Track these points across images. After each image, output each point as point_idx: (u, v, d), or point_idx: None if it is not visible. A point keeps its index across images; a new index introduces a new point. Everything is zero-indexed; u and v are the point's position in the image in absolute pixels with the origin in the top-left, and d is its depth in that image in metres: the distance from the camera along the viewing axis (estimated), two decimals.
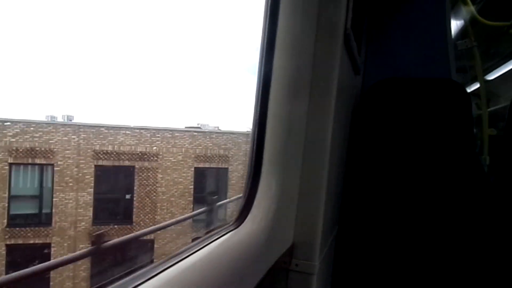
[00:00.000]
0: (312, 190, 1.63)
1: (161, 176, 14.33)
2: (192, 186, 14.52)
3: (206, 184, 15.65)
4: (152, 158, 14.33)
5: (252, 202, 1.49)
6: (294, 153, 1.58)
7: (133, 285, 0.79)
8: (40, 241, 11.58)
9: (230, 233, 1.36)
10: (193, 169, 14.82)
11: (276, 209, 1.50)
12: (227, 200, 12.15)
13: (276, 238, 1.52)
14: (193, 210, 14.04)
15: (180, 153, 15.03)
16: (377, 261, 2.13)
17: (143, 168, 14.14)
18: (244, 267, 1.24)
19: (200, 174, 14.92)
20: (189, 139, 15.40)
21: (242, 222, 1.45)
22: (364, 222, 2.20)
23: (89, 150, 12.75)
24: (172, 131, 15.16)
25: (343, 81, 1.77)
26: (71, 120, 13.35)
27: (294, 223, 1.63)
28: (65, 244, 11.61)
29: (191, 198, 14.36)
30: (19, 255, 10.74)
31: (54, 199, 11.97)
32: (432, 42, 2.64)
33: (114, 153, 13.49)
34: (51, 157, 12.08)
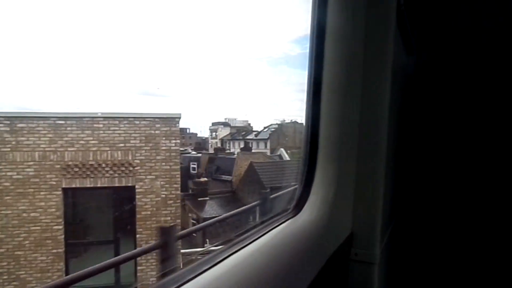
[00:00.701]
0: (370, 176, 1.62)
1: None
2: None
3: None
4: None
5: (309, 190, 1.53)
6: (349, 139, 1.60)
7: (201, 270, 0.88)
8: None
9: (289, 220, 1.41)
10: None
11: (333, 197, 1.51)
12: None
13: (334, 227, 1.53)
14: None
15: None
16: (437, 253, 2.11)
17: None
18: (303, 256, 1.26)
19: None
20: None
21: (300, 210, 1.48)
22: (423, 212, 2.18)
23: None
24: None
25: (397, 63, 1.74)
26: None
27: (352, 211, 1.63)
28: None
29: None
30: None
31: None
32: (491, 16, 2.49)
33: None
34: None
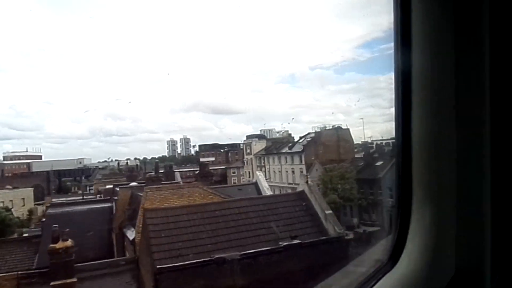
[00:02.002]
0: (474, 213, 1.44)
1: None
2: None
3: None
4: None
5: (405, 237, 1.46)
6: (447, 174, 1.44)
7: None
8: None
9: (386, 275, 1.37)
10: None
11: (433, 242, 1.41)
12: None
13: (436, 273, 1.42)
14: None
15: None
16: None
17: None
18: None
19: None
20: None
21: (396, 261, 1.44)
22: None
23: None
24: None
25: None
26: None
27: (455, 252, 1.48)
28: None
29: None
30: None
31: None
32: None
33: None
34: None
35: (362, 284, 1.37)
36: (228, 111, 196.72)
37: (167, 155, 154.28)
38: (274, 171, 60.94)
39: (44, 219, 19.99)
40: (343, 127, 55.40)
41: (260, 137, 69.50)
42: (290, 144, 58.60)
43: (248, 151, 70.74)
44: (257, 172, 23.73)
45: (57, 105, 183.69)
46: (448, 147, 1.39)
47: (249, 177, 72.36)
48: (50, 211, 20.23)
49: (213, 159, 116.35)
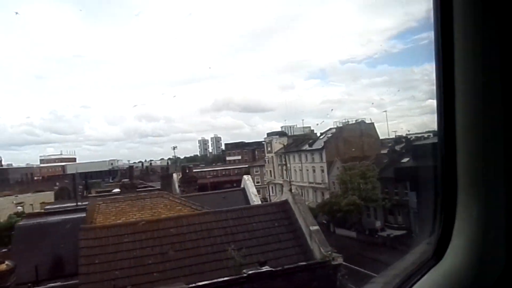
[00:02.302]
0: None
1: None
2: None
3: None
4: None
5: (451, 231, 1.39)
6: (494, 165, 1.40)
7: None
8: None
9: (431, 270, 1.34)
10: None
11: (481, 237, 1.35)
12: None
13: (484, 269, 1.37)
14: None
15: None
16: None
17: None
18: None
19: None
20: None
21: (442, 255, 1.38)
22: None
23: None
24: None
25: None
26: None
27: (505, 247, 1.44)
28: None
29: None
30: None
31: None
32: None
33: None
34: None
35: (406, 277, 1.37)
36: (259, 109, 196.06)
37: (199, 154, 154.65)
38: (295, 170, 57.79)
39: (13, 232, 18.21)
40: (367, 121, 51.45)
41: (281, 134, 66.44)
42: (310, 141, 55.22)
43: (269, 149, 67.95)
44: (245, 176, 20.97)
45: (93, 109, 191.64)
46: (495, 137, 1.34)
47: (271, 176, 69.69)
48: (21, 223, 18.45)
49: (239, 157, 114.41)
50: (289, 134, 67.83)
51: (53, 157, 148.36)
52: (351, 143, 50.02)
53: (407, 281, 1.34)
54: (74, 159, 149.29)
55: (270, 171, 68.26)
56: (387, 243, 34.86)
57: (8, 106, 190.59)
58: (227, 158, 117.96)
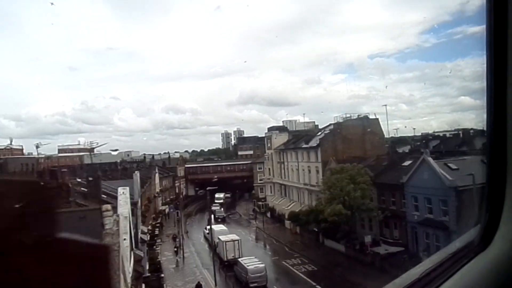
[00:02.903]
0: None
1: None
2: None
3: None
4: None
5: (499, 218, 1.40)
6: None
7: None
8: None
9: (477, 257, 1.35)
10: None
11: None
12: None
13: None
14: None
15: None
16: None
17: None
18: None
19: None
20: None
21: (489, 243, 1.38)
22: None
23: None
24: None
25: None
26: None
27: None
28: None
29: None
30: None
31: None
32: None
33: None
34: None
35: (453, 262, 1.40)
36: (284, 103, 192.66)
37: (221, 147, 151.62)
38: (292, 169, 52.38)
39: None
40: (372, 117, 45.28)
41: (282, 129, 61.04)
42: (307, 138, 49.56)
43: (269, 145, 62.66)
44: (120, 189, 16.02)
45: (123, 100, 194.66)
46: None
47: (269, 174, 64.58)
48: None
49: (251, 152, 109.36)
50: (291, 129, 62.28)
51: (71, 147, 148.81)
52: (350, 141, 44.10)
53: (454, 265, 1.36)
54: (92, 150, 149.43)
55: (269, 169, 63.04)
56: (376, 263, 29.19)
57: (42, 96, 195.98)
58: (239, 153, 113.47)
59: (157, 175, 67.12)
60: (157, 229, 47.03)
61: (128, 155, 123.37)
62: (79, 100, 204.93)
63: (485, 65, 1.48)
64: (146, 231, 32.20)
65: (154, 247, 36.09)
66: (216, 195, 72.54)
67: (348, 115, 45.56)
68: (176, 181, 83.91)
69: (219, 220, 55.70)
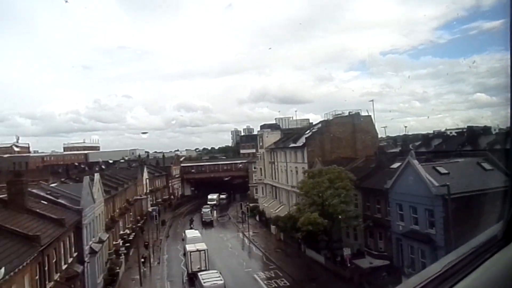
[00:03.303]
0: None
1: None
2: None
3: None
4: None
5: None
6: None
7: None
8: None
9: (501, 251, 1.37)
10: None
11: None
12: None
13: None
14: None
15: None
16: None
17: None
18: None
19: None
20: None
21: None
22: None
23: None
24: None
25: None
26: None
27: None
28: None
29: None
30: None
31: None
32: None
33: None
34: None
35: (475, 256, 1.41)
36: (296, 101, 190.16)
37: (231, 145, 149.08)
38: (281, 170, 48.95)
39: None
40: (363, 114, 41.51)
41: (274, 127, 57.51)
42: (295, 137, 46.01)
43: (261, 144, 59.28)
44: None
45: (135, 98, 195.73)
46: None
47: (261, 175, 61.23)
48: None
49: (253, 150, 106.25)
50: (285, 127, 58.65)
51: (76, 145, 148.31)
52: (339, 140, 40.46)
53: (476, 259, 1.36)
54: (97, 148, 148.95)
55: (261, 169, 59.69)
56: (355, 279, 25.65)
57: (56, 95, 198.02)
58: (241, 151, 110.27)
59: (145, 174, 64.43)
60: (134, 234, 44.08)
61: (132, 153, 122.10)
62: (92, 99, 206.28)
63: (508, 61, 1.47)
64: (104, 239, 29.20)
65: (119, 256, 33.17)
66: (210, 196, 69.64)
67: (339, 112, 41.87)
68: (171, 181, 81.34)
69: (207, 223, 52.47)
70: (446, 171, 23.51)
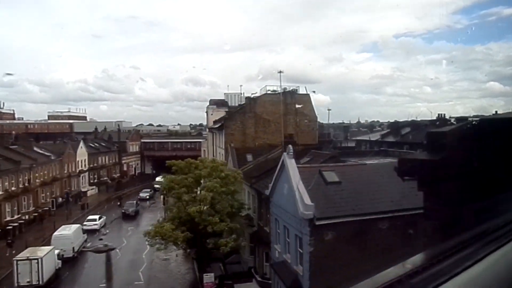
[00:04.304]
0: None
1: None
2: None
3: None
4: None
5: None
6: None
7: (458, 270, 0.99)
8: None
9: None
10: None
11: None
12: None
13: None
14: None
15: None
16: None
17: None
18: None
19: None
20: None
21: None
22: None
23: None
24: None
25: None
26: None
27: None
28: None
29: None
30: None
31: None
32: None
33: None
34: None
35: (496, 237, 1.33)
36: (305, 80, 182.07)
37: None
38: (215, 154, 41.33)
39: None
40: (300, 92, 33.27)
41: (220, 104, 49.65)
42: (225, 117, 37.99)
43: (207, 123, 51.50)
44: None
45: (143, 70, 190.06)
46: None
47: (205, 155, 53.73)
48: None
49: None
50: (234, 104, 50.67)
51: (61, 114, 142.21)
52: (266, 123, 32.46)
53: (495, 241, 1.28)
54: (84, 117, 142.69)
55: (204, 150, 52.13)
56: None
57: (65, 63, 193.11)
58: None
59: (81, 150, 57.32)
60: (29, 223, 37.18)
61: (118, 125, 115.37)
62: (100, 68, 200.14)
63: None
64: None
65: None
66: (158, 179, 62.29)
67: (272, 88, 33.59)
68: (126, 158, 74.40)
69: (127, 216, 44.60)
70: (337, 179, 15.55)
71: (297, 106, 32.21)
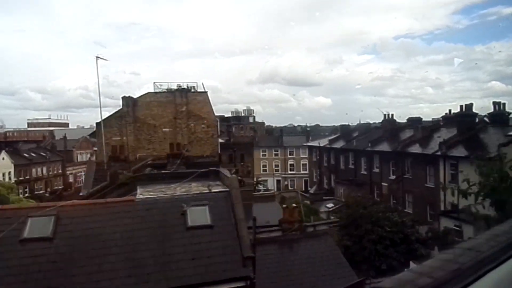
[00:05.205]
0: None
1: None
2: None
3: None
4: None
5: None
6: None
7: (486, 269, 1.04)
8: None
9: None
10: None
11: None
12: None
13: None
14: None
15: None
16: None
17: None
18: None
19: None
20: None
21: None
22: None
23: None
24: None
25: None
26: None
27: None
28: None
29: None
30: None
31: None
32: None
33: None
34: None
35: None
36: (305, 83, 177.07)
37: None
38: None
39: None
40: (199, 90, 26.43)
41: None
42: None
43: None
44: None
45: (143, 75, 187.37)
46: None
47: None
48: None
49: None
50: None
51: (41, 121, 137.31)
52: (152, 130, 25.63)
53: None
54: (66, 124, 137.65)
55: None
56: None
57: (66, 70, 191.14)
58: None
59: (2, 161, 51.05)
60: None
61: (65, 134, 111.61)
62: (101, 75, 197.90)
63: None
64: None
65: None
66: None
67: (162, 87, 26.73)
68: (74, 168, 68.24)
69: None
70: (48, 233, 8.72)
71: (189, 107, 25.37)
